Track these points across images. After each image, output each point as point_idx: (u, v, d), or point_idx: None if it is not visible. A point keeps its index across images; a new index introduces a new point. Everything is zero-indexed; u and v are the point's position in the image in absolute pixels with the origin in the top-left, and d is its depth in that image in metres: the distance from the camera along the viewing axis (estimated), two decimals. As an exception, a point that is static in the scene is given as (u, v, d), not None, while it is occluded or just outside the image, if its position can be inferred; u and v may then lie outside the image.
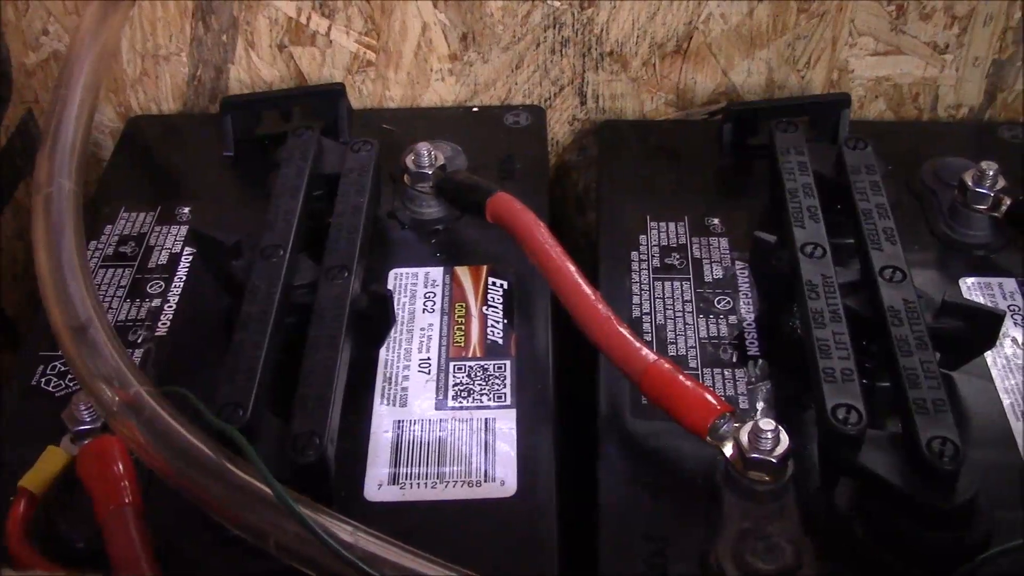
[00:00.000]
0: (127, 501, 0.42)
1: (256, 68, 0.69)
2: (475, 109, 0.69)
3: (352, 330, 0.50)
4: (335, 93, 0.65)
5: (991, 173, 0.56)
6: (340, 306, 0.49)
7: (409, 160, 0.59)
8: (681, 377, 0.46)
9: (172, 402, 0.44)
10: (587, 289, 0.49)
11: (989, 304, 0.54)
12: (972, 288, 0.55)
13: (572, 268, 0.50)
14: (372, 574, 0.37)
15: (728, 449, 0.44)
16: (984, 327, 0.48)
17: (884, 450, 0.43)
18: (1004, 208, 0.56)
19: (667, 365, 0.46)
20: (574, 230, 0.74)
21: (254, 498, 0.39)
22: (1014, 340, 0.52)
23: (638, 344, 0.47)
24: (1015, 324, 0.53)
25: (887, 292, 0.48)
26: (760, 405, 0.49)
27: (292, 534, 0.38)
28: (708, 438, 0.44)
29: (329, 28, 0.67)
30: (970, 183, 0.57)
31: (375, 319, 0.51)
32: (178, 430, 0.42)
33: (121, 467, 0.43)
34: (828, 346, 0.46)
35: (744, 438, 0.43)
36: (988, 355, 0.51)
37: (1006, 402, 0.49)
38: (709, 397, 0.45)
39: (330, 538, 0.38)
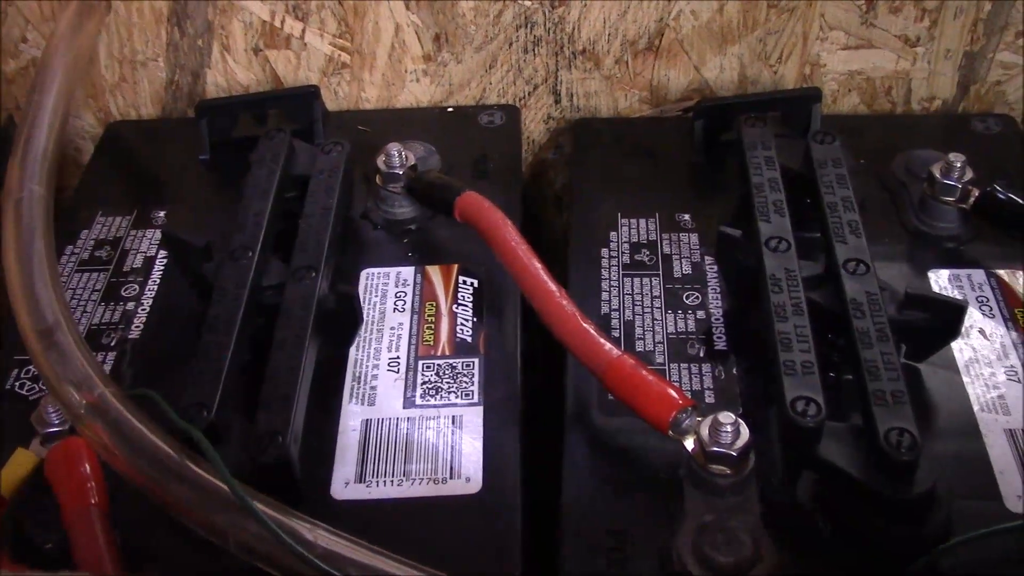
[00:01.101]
0: (93, 502, 0.42)
1: (232, 72, 0.70)
2: (450, 109, 0.70)
3: (320, 330, 0.50)
4: (309, 95, 0.66)
5: (959, 165, 0.56)
6: (306, 306, 0.49)
7: (381, 161, 0.59)
8: (644, 372, 0.46)
9: (139, 404, 0.44)
10: (552, 287, 0.50)
11: (957, 296, 0.54)
12: (942, 280, 0.55)
13: (538, 266, 0.51)
14: (328, 571, 0.37)
15: (689, 443, 0.44)
16: (947, 319, 0.49)
17: (844, 442, 0.43)
18: (972, 200, 0.56)
19: (630, 360, 0.46)
20: (551, 228, 0.74)
21: (214, 498, 0.40)
22: (981, 331, 0.52)
23: (602, 340, 0.47)
24: (984, 315, 0.53)
25: (850, 285, 0.48)
26: (726, 399, 0.50)
27: (251, 533, 0.39)
28: (670, 432, 0.44)
29: (303, 31, 0.68)
30: (938, 175, 0.57)
31: (342, 319, 0.52)
32: (141, 431, 0.42)
33: (88, 469, 0.43)
34: (789, 339, 0.46)
35: (705, 432, 0.43)
36: (955, 347, 0.51)
37: (972, 394, 0.49)
38: (671, 391, 0.45)
39: (289, 536, 0.38)
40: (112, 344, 0.54)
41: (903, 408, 0.43)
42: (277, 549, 0.38)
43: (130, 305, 0.56)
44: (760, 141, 0.57)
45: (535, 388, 0.53)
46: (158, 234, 0.61)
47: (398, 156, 0.59)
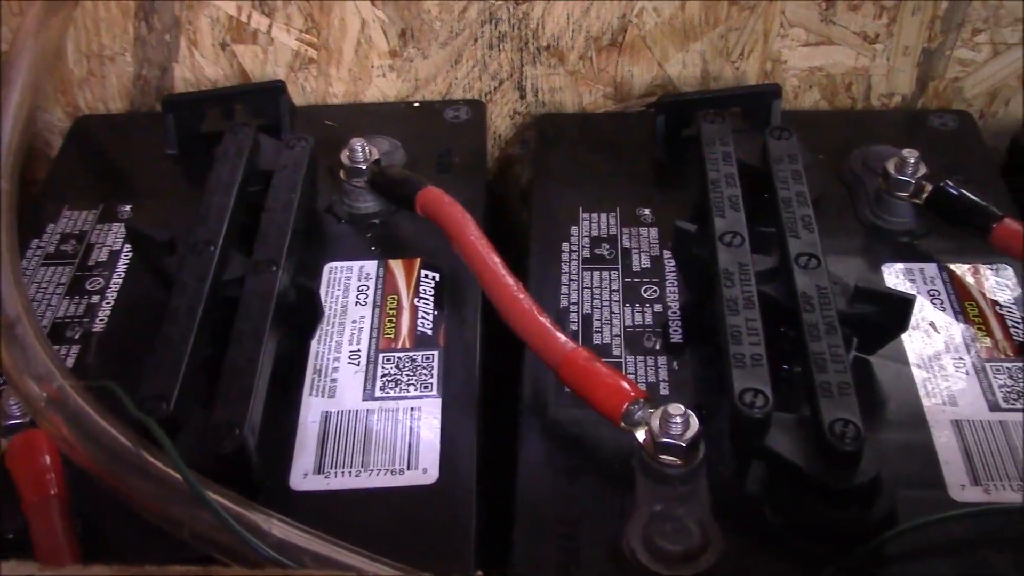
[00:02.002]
0: (52, 493, 0.43)
1: (200, 67, 0.70)
2: (416, 104, 0.70)
3: (280, 323, 0.51)
4: (275, 90, 0.66)
5: (912, 160, 0.57)
6: (266, 300, 0.50)
7: (344, 155, 0.60)
8: (597, 365, 0.47)
9: (100, 396, 0.45)
10: (510, 281, 0.50)
11: (910, 289, 0.55)
12: (896, 274, 0.56)
13: (496, 260, 0.52)
14: (281, 560, 0.38)
15: (641, 434, 0.45)
16: (895, 312, 0.50)
17: (791, 433, 0.44)
18: (925, 195, 0.57)
19: (584, 353, 0.47)
20: (518, 222, 0.75)
21: (170, 489, 0.40)
22: (932, 324, 0.53)
23: (557, 334, 0.48)
24: (935, 308, 0.54)
25: (801, 279, 0.49)
26: (681, 391, 0.51)
27: (206, 523, 0.39)
28: (622, 423, 0.45)
29: (270, 26, 0.68)
30: (892, 171, 0.58)
31: (303, 312, 0.52)
32: (99, 423, 0.43)
33: (47, 460, 0.44)
34: (740, 332, 0.47)
35: (655, 423, 0.44)
36: (905, 339, 0.52)
37: (920, 385, 0.50)
38: (623, 384, 0.46)
39: (243, 526, 0.39)
40: (76, 337, 0.55)
41: (848, 399, 0.44)
42: (231, 539, 0.39)
43: (95, 299, 0.57)
44: (718, 137, 0.58)
45: (494, 380, 0.54)
46: (124, 228, 0.61)
47: (362, 151, 0.59)
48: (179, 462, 0.40)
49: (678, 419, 0.44)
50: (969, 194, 0.56)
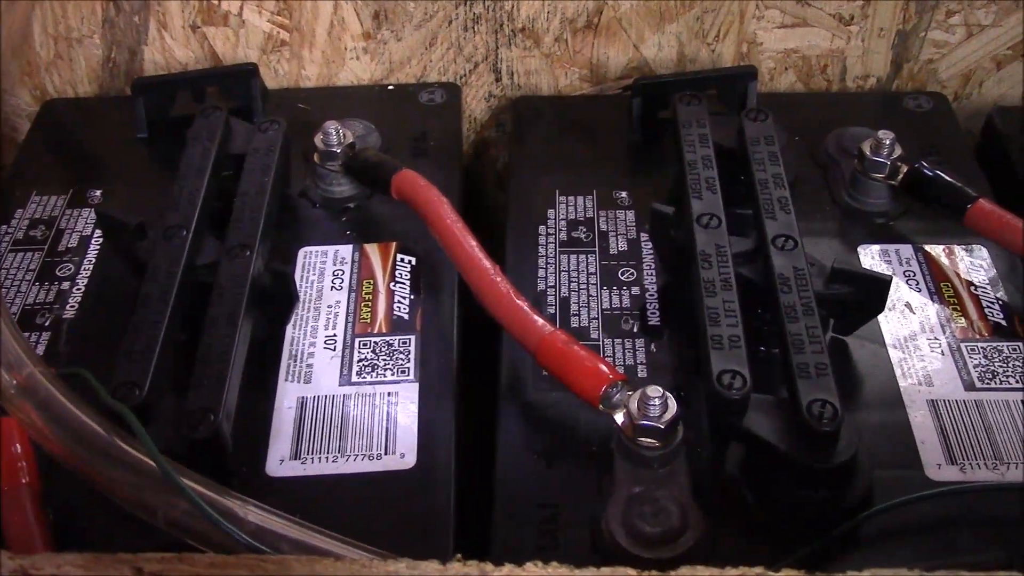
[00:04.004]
0: (24, 481, 0.42)
1: (170, 49, 0.69)
2: (391, 87, 0.70)
3: (255, 308, 0.50)
4: (247, 73, 0.65)
5: (887, 142, 0.57)
6: (240, 284, 0.49)
7: (318, 139, 0.59)
8: (575, 347, 0.46)
9: (71, 383, 0.44)
10: (486, 264, 0.50)
11: (886, 270, 0.55)
12: (872, 255, 0.57)
13: (473, 243, 0.51)
14: (257, 546, 0.38)
15: (619, 417, 0.45)
16: (872, 293, 0.50)
17: (769, 414, 0.44)
18: (901, 176, 0.57)
19: (562, 336, 0.47)
20: (494, 205, 0.74)
21: (144, 476, 0.40)
22: (908, 305, 0.54)
23: (535, 317, 0.48)
24: (910, 289, 0.55)
25: (778, 260, 0.49)
26: (658, 373, 0.50)
27: (181, 510, 0.39)
28: (600, 406, 0.45)
29: (241, 8, 0.67)
30: (868, 152, 0.58)
31: (277, 297, 0.52)
32: (71, 411, 0.42)
33: (19, 448, 0.43)
34: (718, 314, 0.47)
35: (633, 405, 0.44)
36: (882, 320, 0.52)
37: (896, 365, 0.50)
38: (601, 366, 0.46)
39: (219, 512, 0.39)
40: (47, 324, 0.54)
41: (826, 380, 0.44)
42: (206, 526, 0.38)
43: (65, 285, 0.56)
44: (695, 118, 0.58)
45: (472, 364, 0.53)
46: (94, 213, 0.60)
47: (336, 134, 0.59)
48: (152, 449, 0.39)
49: (656, 401, 0.44)
50: (944, 175, 0.56)
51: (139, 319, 0.47)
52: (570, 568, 0.32)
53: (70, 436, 0.41)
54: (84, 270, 0.57)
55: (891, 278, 0.50)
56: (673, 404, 0.44)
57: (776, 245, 0.50)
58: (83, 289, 0.56)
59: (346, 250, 0.57)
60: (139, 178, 0.63)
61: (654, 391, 0.44)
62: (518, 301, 0.48)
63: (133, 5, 0.67)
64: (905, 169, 0.57)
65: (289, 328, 0.52)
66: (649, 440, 0.44)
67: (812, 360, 0.45)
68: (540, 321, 0.48)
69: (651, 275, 0.55)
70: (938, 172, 0.56)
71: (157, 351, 0.46)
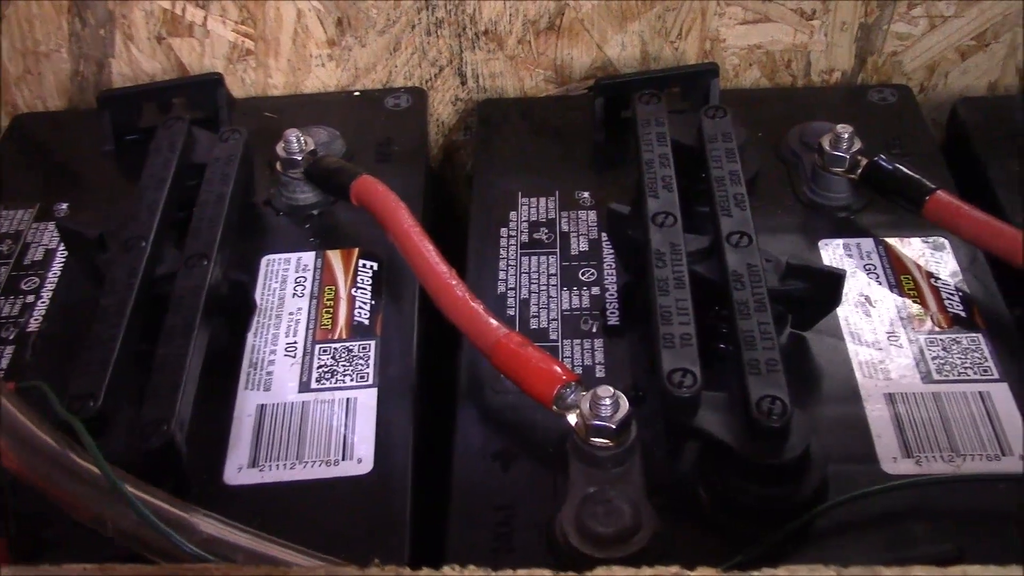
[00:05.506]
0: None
1: (137, 61, 0.70)
2: (357, 93, 0.70)
3: (213, 317, 0.50)
4: (212, 83, 0.66)
5: (846, 136, 0.57)
6: (197, 294, 0.49)
7: (280, 147, 0.59)
8: (529, 349, 0.47)
9: (30, 396, 0.44)
10: (443, 267, 0.50)
11: (847, 265, 0.55)
12: (834, 249, 0.57)
13: (430, 248, 0.51)
14: (205, 557, 0.38)
15: (572, 418, 0.45)
16: (826, 287, 0.50)
17: (721, 411, 0.44)
18: (860, 170, 0.57)
19: (516, 338, 0.47)
20: (465, 209, 0.74)
21: (95, 487, 0.40)
22: (867, 298, 0.54)
23: (489, 319, 0.48)
24: (871, 282, 0.55)
25: (732, 257, 0.49)
26: (616, 374, 0.51)
27: (131, 521, 0.39)
28: (554, 407, 0.45)
29: (205, 19, 0.68)
30: (827, 147, 0.58)
31: (236, 306, 0.52)
32: (24, 424, 0.42)
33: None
34: (670, 312, 0.47)
35: (586, 406, 0.44)
36: (841, 314, 0.52)
37: (854, 359, 0.51)
38: (555, 367, 0.46)
39: (170, 524, 0.39)
40: (11, 337, 0.54)
41: (776, 376, 0.44)
42: (156, 537, 0.39)
43: (30, 298, 0.56)
44: (653, 117, 0.58)
45: (432, 369, 0.53)
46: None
47: (297, 142, 0.59)
48: (100, 459, 0.39)
49: (607, 401, 0.44)
50: (903, 168, 0.56)
51: (96, 331, 0.48)
52: (486, 570, 0.32)
53: (23, 449, 0.41)
54: (49, 283, 0.57)
55: (845, 272, 0.50)
56: (625, 404, 0.44)
57: (731, 242, 0.50)
58: (47, 302, 0.56)
59: (309, 257, 0.57)
60: (105, 191, 0.63)
61: (605, 391, 0.44)
62: (473, 304, 0.49)
63: (98, 18, 0.68)
64: (865, 162, 0.57)
65: (250, 336, 0.53)
66: (602, 440, 0.44)
67: (763, 356, 0.45)
68: (495, 324, 0.48)
69: (612, 275, 0.56)
70: (896, 165, 0.56)
71: (113, 362, 0.46)
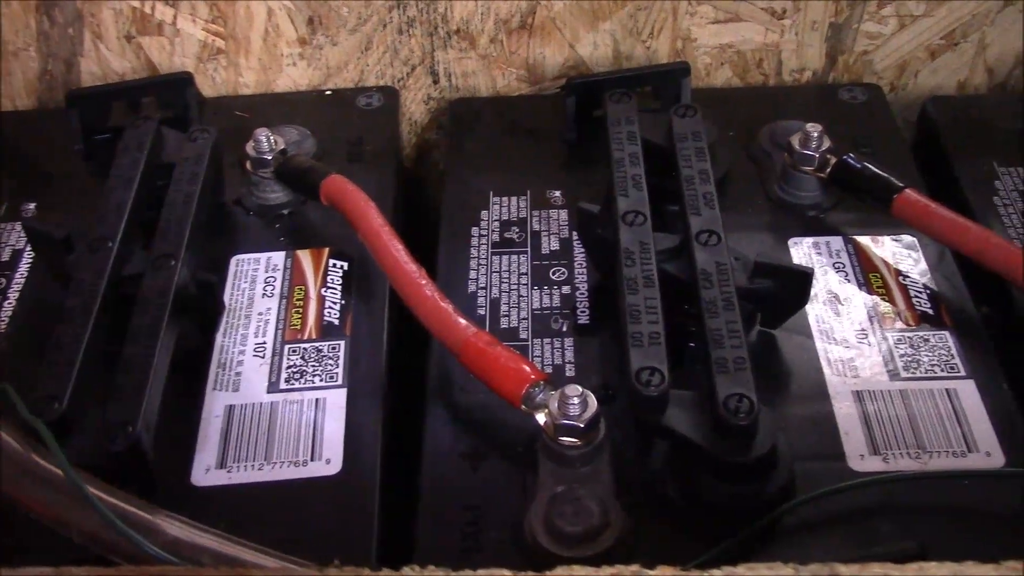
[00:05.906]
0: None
1: (106, 60, 0.69)
2: (329, 92, 0.70)
3: (180, 318, 0.50)
4: (182, 82, 0.65)
5: (816, 135, 0.58)
6: (163, 295, 0.49)
7: (249, 146, 0.59)
8: (498, 348, 0.47)
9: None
10: (412, 267, 0.50)
11: (816, 263, 0.55)
12: (804, 248, 0.57)
13: (399, 247, 0.51)
14: (170, 559, 0.37)
15: (541, 417, 0.45)
16: (794, 286, 0.50)
17: (689, 410, 0.44)
18: (829, 169, 0.57)
19: (485, 337, 0.47)
20: (437, 208, 0.74)
21: (58, 490, 0.40)
22: (835, 296, 0.54)
23: (458, 318, 0.48)
24: (840, 280, 0.55)
25: (701, 256, 0.49)
26: (586, 373, 0.51)
27: (94, 523, 0.39)
28: (523, 406, 0.45)
29: (175, 17, 0.67)
30: (797, 145, 0.58)
31: (203, 307, 0.52)
32: (-14, 427, 0.42)
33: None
34: (639, 311, 0.47)
35: (554, 405, 0.44)
36: (809, 312, 0.53)
37: (822, 356, 0.51)
38: (524, 366, 0.46)
39: (134, 526, 0.39)
40: (-20, 340, 0.54)
41: (744, 375, 0.44)
42: (119, 539, 0.38)
43: (-5, 299, 0.56)
44: (624, 116, 0.58)
45: (402, 368, 0.53)
46: (24, 227, 0.60)
47: (267, 141, 0.59)
48: (63, 460, 0.39)
49: (576, 400, 0.44)
50: (871, 166, 0.56)
51: (61, 332, 0.47)
52: (446, 570, 0.32)
53: (-14, 452, 0.41)
54: (16, 284, 0.57)
55: (812, 271, 0.50)
56: (593, 402, 0.44)
57: (700, 241, 0.50)
58: (14, 303, 0.55)
59: (279, 257, 0.57)
60: (74, 191, 0.63)
61: (573, 390, 0.44)
62: (442, 304, 0.49)
63: (66, 17, 0.67)
64: (834, 161, 0.57)
65: (219, 336, 0.52)
66: (570, 439, 0.44)
67: (731, 355, 0.45)
68: (464, 323, 0.48)
69: (582, 274, 0.56)
70: (865, 163, 0.56)
71: (79, 364, 0.46)
